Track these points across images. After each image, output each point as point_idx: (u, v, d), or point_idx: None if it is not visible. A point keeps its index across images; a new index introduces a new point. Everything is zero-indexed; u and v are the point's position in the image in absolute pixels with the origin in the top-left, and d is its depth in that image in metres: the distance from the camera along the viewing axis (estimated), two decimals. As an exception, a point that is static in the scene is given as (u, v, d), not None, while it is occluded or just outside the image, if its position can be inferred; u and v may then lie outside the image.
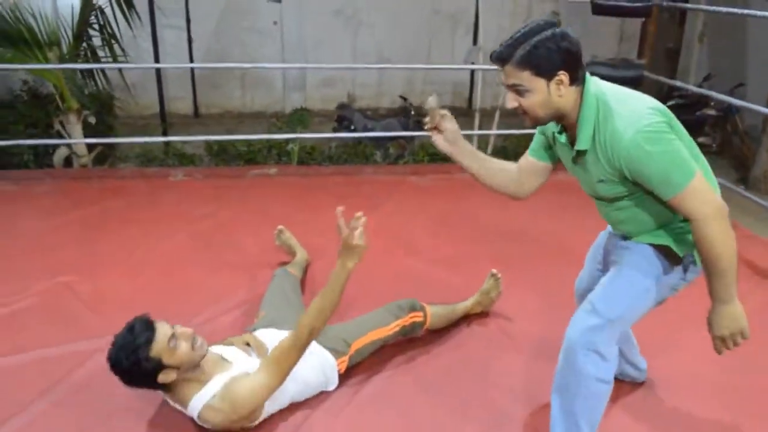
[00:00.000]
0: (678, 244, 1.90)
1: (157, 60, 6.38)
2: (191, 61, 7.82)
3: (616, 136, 1.72)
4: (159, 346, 2.02)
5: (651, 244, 1.94)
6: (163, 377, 2.05)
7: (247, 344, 2.38)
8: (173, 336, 2.06)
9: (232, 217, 4.07)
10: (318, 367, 2.39)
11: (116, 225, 3.94)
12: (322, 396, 2.44)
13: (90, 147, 5.36)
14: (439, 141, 2.06)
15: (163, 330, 2.06)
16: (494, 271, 2.96)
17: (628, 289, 1.94)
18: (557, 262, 3.48)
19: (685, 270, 1.95)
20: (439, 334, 2.85)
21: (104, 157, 5.66)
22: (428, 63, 8.86)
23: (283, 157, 5.77)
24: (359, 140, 6.22)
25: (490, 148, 6.10)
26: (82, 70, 5.38)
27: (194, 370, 2.13)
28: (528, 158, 2.16)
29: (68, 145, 5.26)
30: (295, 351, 2.13)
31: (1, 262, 3.48)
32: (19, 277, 3.30)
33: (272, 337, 2.40)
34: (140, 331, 2.03)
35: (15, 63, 4.93)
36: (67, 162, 5.35)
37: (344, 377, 2.51)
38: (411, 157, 6.10)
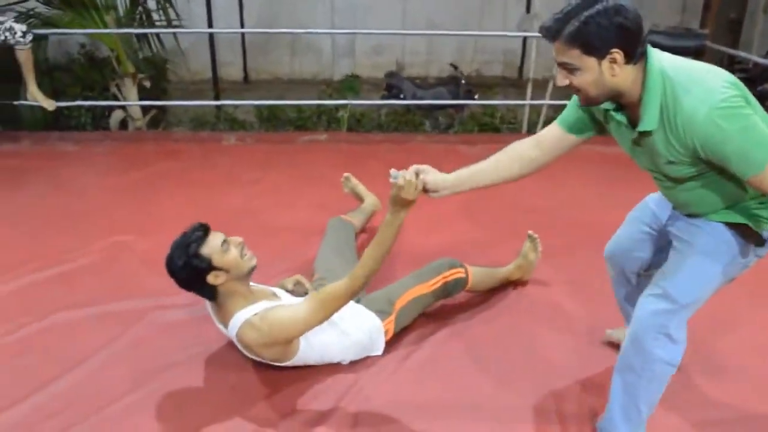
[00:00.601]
0: (755, 221, 1.80)
1: (210, 25, 6.41)
2: (242, 26, 7.84)
3: (688, 114, 1.59)
4: (210, 246, 2.14)
5: (726, 223, 1.83)
6: (212, 278, 2.14)
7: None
8: (225, 241, 2.18)
9: (283, 182, 4.10)
10: (365, 328, 2.41)
11: (171, 187, 4.01)
12: (369, 361, 2.47)
13: (144, 110, 5.45)
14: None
15: (216, 234, 2.19)
16: (531, 232, 2.91)
17: (702, 273, 1.86)
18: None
19: (760, 245, 1.85)
20: (485, 300, 2.84)
21: (158, 120, 5.75)
22: (479, 30, 8.70)
23: (332, 124, 5.78)
24: (409, 108, 6.17)
25: (542, 119, 5.98)
26: (137, 35, 5.44)
27: (243, 283, 2.22)
28: (557, 129, 2.00)
29: (124, 108, 5.36)
30: (341, 297, 2.15)
31: (62, 219, 3.59)
32: (79, 235, 3.40)
33: None
34: (193, 231, 2.17)
35: (73, 27, 5.02)
36: (123, 125, 5.46)
37: (392, 344, 2.53)
38: (461, 127, 6.04)
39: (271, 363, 2.34)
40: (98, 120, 5.53)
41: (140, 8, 5.40)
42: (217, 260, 2.14)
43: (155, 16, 5.52)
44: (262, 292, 2.33)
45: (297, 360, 2.32)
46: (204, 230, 2.18)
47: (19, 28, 3.97)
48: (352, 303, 2.33)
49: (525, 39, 8.96)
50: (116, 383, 2.41)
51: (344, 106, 5.73)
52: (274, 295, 2.38)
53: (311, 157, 4.51)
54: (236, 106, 5.90)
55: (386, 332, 2.48)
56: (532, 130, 6.02)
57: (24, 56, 4.12)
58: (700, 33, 4.68)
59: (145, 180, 4.11)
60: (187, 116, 5.95)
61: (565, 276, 3.10)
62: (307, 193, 3.91)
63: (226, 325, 2.26)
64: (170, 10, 5.44)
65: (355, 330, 2.39)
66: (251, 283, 2.33)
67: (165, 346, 2.63)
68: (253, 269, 2.24)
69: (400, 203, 2.00)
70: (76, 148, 4.57)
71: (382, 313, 2.47)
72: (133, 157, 4.48)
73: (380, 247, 2.08)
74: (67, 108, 5.33)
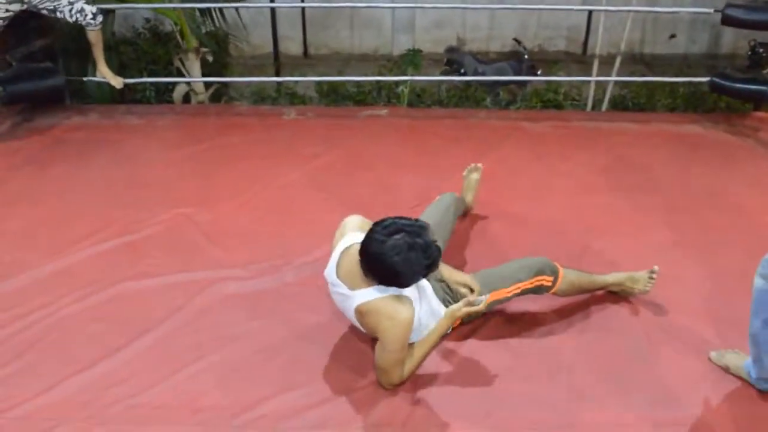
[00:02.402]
0: None
1: (272, 1, 6.41)
2: (302, 0, 7.82)
3: None
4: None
5: None
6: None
7: None
8: None
9: (345, 156, 4.08)
10: (431, 313, 2.38)
11: (233, 160, 4.04)
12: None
13: (207, 84, 5.50)
14: None
15: None
16: (656, 268, 2.64)
17: None
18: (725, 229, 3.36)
19: None
20: (577, 305, 2.73)
21: (220, 95, 5.81)
22: (543, 4, 8.46)
23: (392, 99, 5.72)
24: (470, 84, 6.05)
25: (607, 96, 5.79)
26: (200, 10, 5.48)
27: None
28: None
29: (187, 83, 5.42)
30: (388, 372, 2.24)
31: (127, 190, 3.67)
32: (143, 207, 3.47)
33: None
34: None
35: (137, 2, 5.08)
36: (186, 99, 5.52)
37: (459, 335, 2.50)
38: (523, 103, 5.90)
39: None
40: (162, 94, 5.61)
41: (204, -18, 5.42)
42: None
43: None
44: None
45: None
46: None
47: (90, 9, 4.06)
48: (433, 300, 2.40)
49: (590, 14, 8.70)
50: (180, 353, 2.47)
51: (404, 81, 5.66)
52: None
53: (371, 132, 4.46)
54: (296, 82, 5.90)
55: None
56: (597, 107, 5.85)
57: (94, 36, 4.23)
58: None
59: (206, 153, 4.15)
60: (248, 90, 5.99)
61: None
62: (368, 168, 3.88)
63: (351, 288, 2.23)
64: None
65: (427, 316, 2.37)
66: None
67: (226, 317, 2.67)
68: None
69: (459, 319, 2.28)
70: (141, 121, 4.64)
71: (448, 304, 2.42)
72: (195, 130, 4.53)
73: (421, 349, 2.27)
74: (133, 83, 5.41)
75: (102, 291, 2.83)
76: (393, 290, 2.17)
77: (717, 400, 2.29)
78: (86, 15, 4.05)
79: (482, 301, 2.26)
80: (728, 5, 4.44)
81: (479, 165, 3.28)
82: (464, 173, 3.29)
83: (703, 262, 3.04)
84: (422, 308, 2.31)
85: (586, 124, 4.75)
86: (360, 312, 2.20)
